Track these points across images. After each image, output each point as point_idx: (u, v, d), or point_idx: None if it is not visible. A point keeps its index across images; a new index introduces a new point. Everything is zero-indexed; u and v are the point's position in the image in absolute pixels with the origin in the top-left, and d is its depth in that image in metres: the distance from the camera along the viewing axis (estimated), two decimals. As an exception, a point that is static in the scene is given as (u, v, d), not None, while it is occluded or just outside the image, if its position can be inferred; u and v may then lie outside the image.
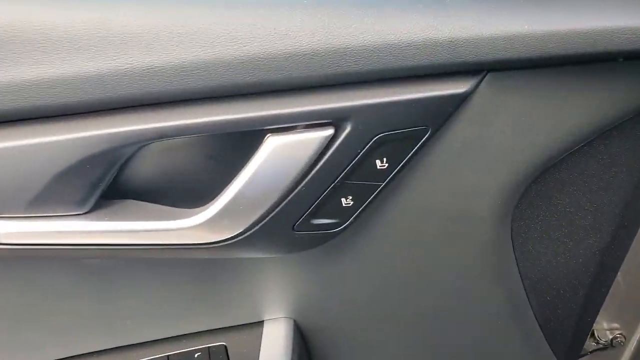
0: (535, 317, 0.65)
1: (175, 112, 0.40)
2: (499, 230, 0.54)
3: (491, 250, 0.56)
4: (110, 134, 0.40)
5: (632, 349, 0.86)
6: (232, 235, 0.46)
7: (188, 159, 0.48)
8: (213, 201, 0.45)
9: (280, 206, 0.45)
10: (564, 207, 0.56)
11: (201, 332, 0.60)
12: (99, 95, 0.38)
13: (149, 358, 0.57)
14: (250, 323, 0.61)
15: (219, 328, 0.60)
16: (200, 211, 0.45)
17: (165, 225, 0.45)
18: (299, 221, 0.47)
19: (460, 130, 0.46)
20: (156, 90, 0.39)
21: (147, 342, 0.59)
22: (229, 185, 0.44)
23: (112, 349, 0.58)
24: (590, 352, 1.01)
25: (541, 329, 0.66)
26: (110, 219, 0.45)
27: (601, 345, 1.06)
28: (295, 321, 0.61)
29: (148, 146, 0.46)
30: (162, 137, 0.41)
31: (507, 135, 0.47)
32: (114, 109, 0.40)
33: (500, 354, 0.67)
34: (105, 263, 0.53)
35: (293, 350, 0.57)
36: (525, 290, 0.62)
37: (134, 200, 0.47)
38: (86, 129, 0.40)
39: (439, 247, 0.55)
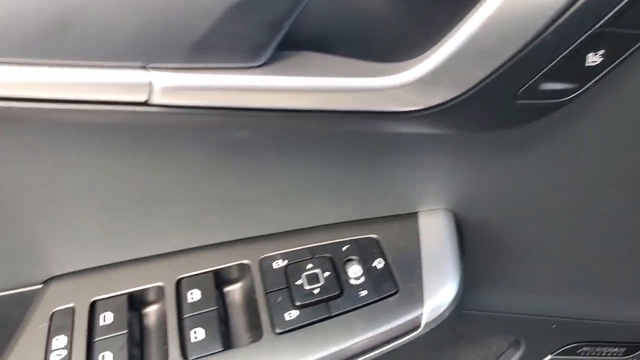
0: None
1: None
2: None
3: None
4: None
5: None
6: (447, 99, 0.35)
7: None
8: (433, 49, 0.33)
9: (514, 60, 0.33)
10: None
11: (347, 222, 0.51)
12: None
13: (291, 249, 0.50)
14: (401, 215, 0.52)
15: (366, 219, 0.52)
16: (412, 65, 0.34)
17: (365, 83, 0.34)
18: (528, 85, 0.36)
19: None
20: None
21: (286, 232, 0.51)
22: (457, 27, 0.32)
23: (247, 239, 0.50)
24: None
25: None
26: (293, 74, 0.33)
27: None
28: (454, 213, 0.52)
29: None
30: None
31: None
32: None
33: None
34: (249, 136, 0.42)
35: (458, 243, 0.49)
36: None
37: (316, 53, 0.36)
38: None
39: None
